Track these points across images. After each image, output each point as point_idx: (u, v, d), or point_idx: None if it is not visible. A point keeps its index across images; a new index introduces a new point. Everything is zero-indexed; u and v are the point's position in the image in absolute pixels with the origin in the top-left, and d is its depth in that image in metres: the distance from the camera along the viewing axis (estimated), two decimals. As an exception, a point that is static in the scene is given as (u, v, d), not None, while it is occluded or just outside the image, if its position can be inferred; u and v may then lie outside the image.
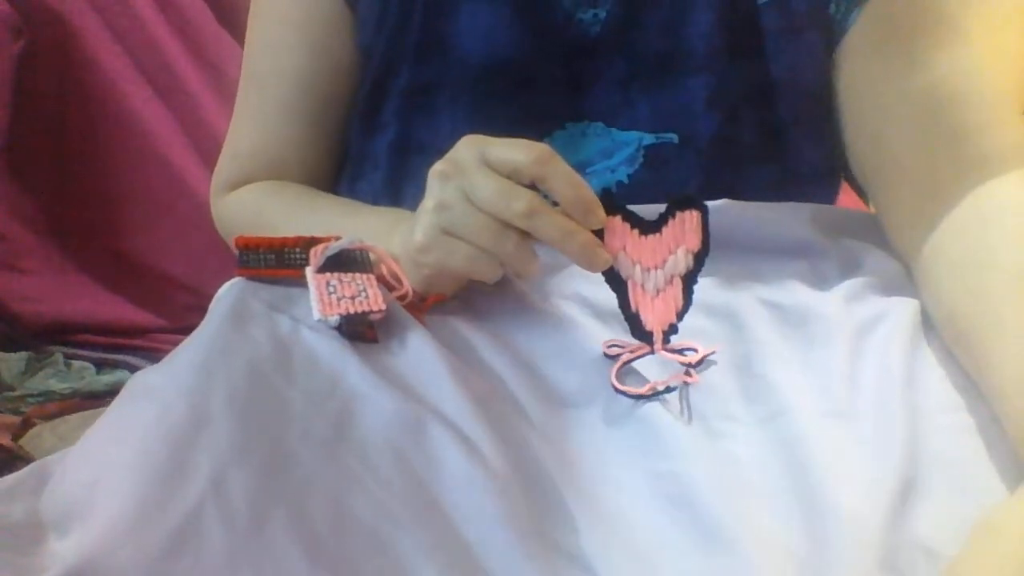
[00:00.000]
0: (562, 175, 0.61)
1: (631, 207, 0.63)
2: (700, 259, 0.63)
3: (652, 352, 0.61)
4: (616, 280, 0.63)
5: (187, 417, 0.55)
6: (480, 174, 0.61)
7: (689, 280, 0.63)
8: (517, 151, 0.61)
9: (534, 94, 0.80)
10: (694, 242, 0.62)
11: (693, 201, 0.62)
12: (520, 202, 0.60)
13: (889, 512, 0.53)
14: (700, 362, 0.61)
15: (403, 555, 0.50)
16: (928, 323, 0.68)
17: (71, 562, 0.47)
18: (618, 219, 0.63)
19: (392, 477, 0.54)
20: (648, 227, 0.63)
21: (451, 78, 0.80)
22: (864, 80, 0.77)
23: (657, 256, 0.62)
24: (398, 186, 0.84)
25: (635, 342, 0.62)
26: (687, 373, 0.61)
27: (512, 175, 0.61)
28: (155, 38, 1.40)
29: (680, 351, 0.63)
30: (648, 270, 0.62)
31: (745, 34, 0.78)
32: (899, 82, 0.75)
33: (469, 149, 0.63)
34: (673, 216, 0.62)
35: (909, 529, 0.53)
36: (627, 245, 0.62)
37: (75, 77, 1.38)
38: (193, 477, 0.51)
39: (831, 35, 0.79)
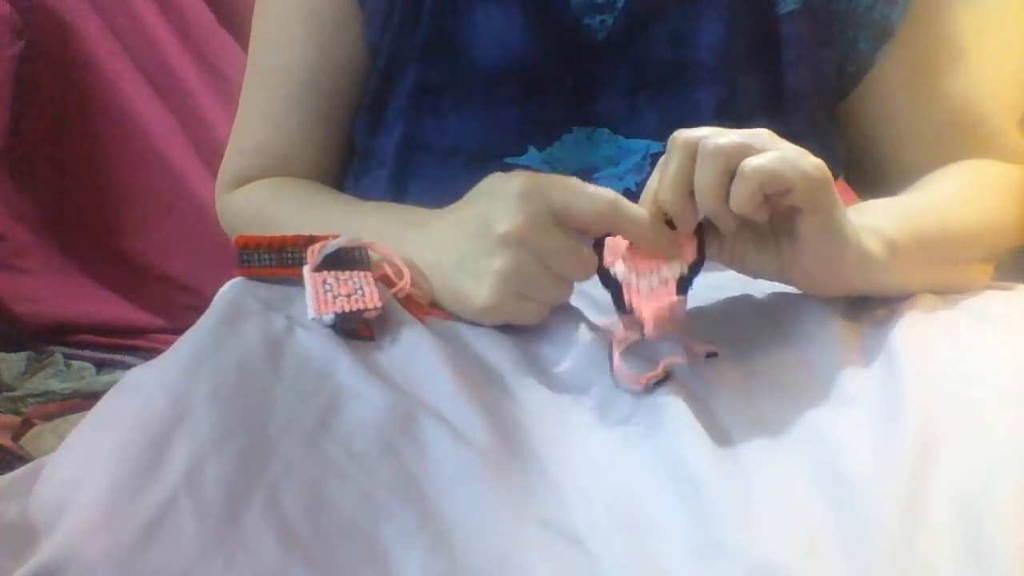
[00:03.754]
0: (632, 222, 0.64)
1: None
2: (695, 268, 0.64)
3: (643, 336, 0.62)
4: (612, 282, 0.64)
5: (167, 410, 0.55)
6: (554, 241, 0.63)
7: (683, 283, 0.64)
8: (585, 202, 0.63)
9: (542, 98, 0.79)
10: (690, 255, 0.64)
11: None
12: (589, 264, 0.65)
13: (909, 467, 0.52)
14: (695, 350, 0.61)
15: (385, 540, 0.50)
16: (934, 303, 0.68)
17: (42, 559, 0.47)
18: (618, 237, 0.65)
19: (377, 466, 0.53)
20: None
21: (459, 80, 0.80)
22: (887, 110, 0.83)
23: (653, 264, 0.65)
24: (403, 184, 0.83)
25: (625, 332, 0.63)
26: (687, 354, 0.61)
27: (582, 229, 0.64)
28: (155, 38, 1.40)
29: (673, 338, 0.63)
30: (643, 273, 0.64)
31: (761, 44, 0.79)
32: (920, 113, 0.83)
33: (535, 203, 0.63)
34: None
35: (932, 480, 0.52)
36: (625, 255, 0.65)
37: (75, 77, 1.38)
38: (168, 468, 0.51)
39: (856, 66, 0.83)
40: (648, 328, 0.61)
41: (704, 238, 0.65)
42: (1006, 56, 0.85)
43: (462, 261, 0.66)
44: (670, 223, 0.64)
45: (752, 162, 0.60)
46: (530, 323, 0.65)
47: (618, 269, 0.64)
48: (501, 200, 0.64)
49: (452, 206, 0.69)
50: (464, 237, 0.66)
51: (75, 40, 1.37)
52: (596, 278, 0.66)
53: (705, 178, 0.61)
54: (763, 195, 0.61)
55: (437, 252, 0.68)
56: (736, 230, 0.64)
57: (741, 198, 0.61)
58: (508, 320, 0.65)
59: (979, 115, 0.83)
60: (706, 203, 0.62)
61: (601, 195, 0.63)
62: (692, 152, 0.62)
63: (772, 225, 0.64)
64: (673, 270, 0.64)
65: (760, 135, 0.62)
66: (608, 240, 0.65)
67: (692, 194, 0.62)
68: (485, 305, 0.64)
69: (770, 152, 0.61)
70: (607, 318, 0.66)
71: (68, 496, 0.52)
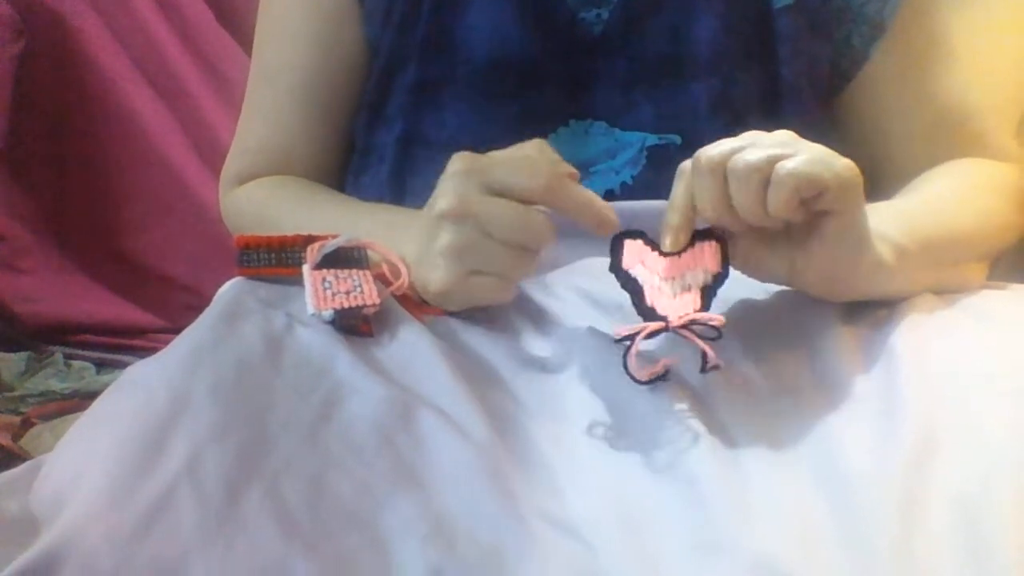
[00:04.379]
0: (571, 198, 0.63)
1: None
2: (719, 279, 0.63)
3: (667, 328, 0.60)
4: (632, 283, 0.63)
5: (167, 404, 0.55)
6: (493, 208, 0.62)
7: (707, 292, 0.63)
8: (521, 177, 0.62)
9: (539, 91, 0.80)
10: (714, 265, 0.63)
11: (714, 232, 0.64)
12: (539, 228, 0.63)
13: (907, 466, 0.52)
14: (717, 335, 0.60)
15: (384, 530, 0.50)
16: (933, 303, 0.69)
17: (44, 545, 0.47)
18: (639, 242, 0.64)
19: (376, 458, 0.54)
20: (668, 253, 0.64)
21: (457, 75, 0.81)
22: (879, 107, 0.83)
23: (675, 271, 0.63)
24: (402, 180, 0.84)
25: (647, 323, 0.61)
26: (704, 353, 0.60)
27: (523, 200, 0.63)
28: (155, 38, 1.40)
29: (696, 326, 0.61)
30: (666, 279, 0.63)
31: (756, 38, 0.79)
32: (911, 111, 0.82)
33: (470, 180, 0.63)
34: (693, 244, 0.64)
35: (930, 479, 0.52)
36: (645, 260, 0.64)
37: (75, 77, 1.38)
38: (168, 459, 0.51)
39: (850, 62, 0.83)
40: (673, 322, 0.60)
41: (728, 254, 0.64)
42: (998, 56, 0.85)
43: (417, 251, 0.66)
44: (698, 232, 0.64)
45: (786, 166, 0.59)
46: (498, 301, 0.65)
47: (639, 272, 0.63)
48: (440, 184, 0.65)
49: None
50: (419, 227, 0.66)
51: (75, 40, 1.37)
52: (589, 275, 0.65)
53: (743, 197, 0.60)
54: (797, 200, 0.60)
55: (407, 248, 0.68)
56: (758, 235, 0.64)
57: (778, 204, 0.60)
58: (472, 300, 0.65)
59: (969, 114, 0.83)
60: (751, 219, 0.61)
61: (539, 170, 0.63)
62: (722, 171, 0.61)
63: (785, 229, 0.64)
64: (696, 278, 0.63)
65: (783, 138, 0.62)
66: (627, 242, 0.64)
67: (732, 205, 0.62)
68: (441, 288, 0.64)
69: (802, 155, 0.60)
70: (608, 315, 0.66)
71: (68, 489, 0.52)
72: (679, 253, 0.64)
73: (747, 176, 0.60)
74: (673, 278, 0.63)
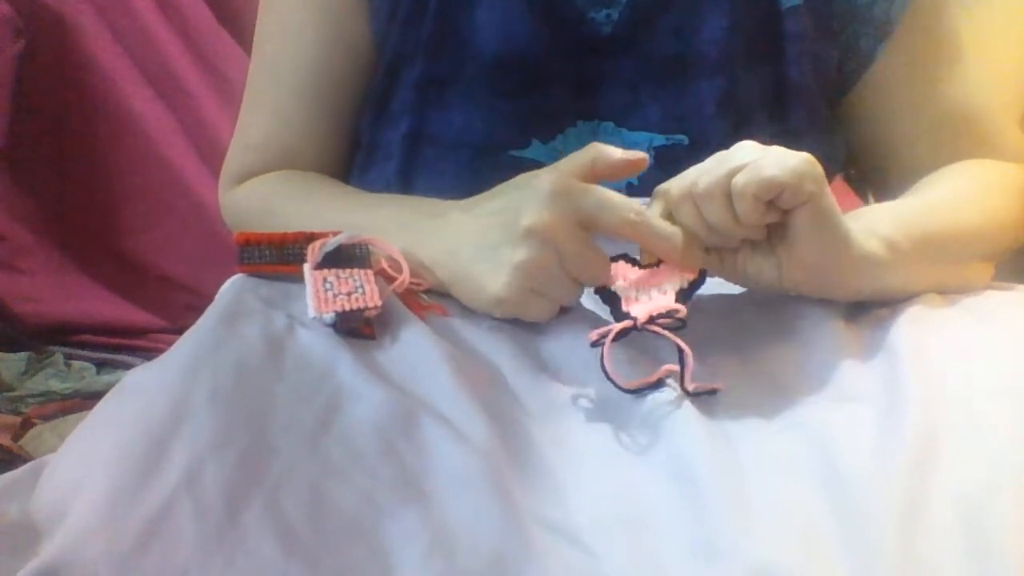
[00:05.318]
0: (655, 235, 0.65)
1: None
2: (695, 284, 0.66)
3: (635, 327, 0.62)
4: (611, 297, 0.66)
5: (168, 412, 0.55)
6: (576, 246, 0.64)
7: (682, 295, 0.65)
8: (614, 211, 0.64)
9: (546, 91, 0.80)
10: (690, 272, 0.66)
11: None
12: (602, 271, 0.66)
13: (908, 466, 0.53)
14: (682, 325, 0.62)
15: (385, 540, 0.50)
16: (935, 302, 0.69)
17: (43, 560, 0.47)
18: (620, 262, 0.67)
19: (378, 466, 0.53)
20: (647, 265, 0.67)
21: (464, 72, 0.80)
22: (886, 108, 0.83)
23: (653, 281, 0.66)
24: (410, 178, 0.83)
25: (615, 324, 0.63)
26: (680, 352, 0.61)
27: (608, 235, 0.65)
28: (155, 38, 1.40)
29: (663, 318, 0.63)
30: (643, 290, 0.66)
31: (763, 39, 0.79)
32: (918, 111, 0.83)
33: (564, 205, 0.64)
34: None
35: (931, 480, 0.52)
36: (626, 276, 0.66)
37: (75, 77, 1.38)
38: (168, 470, 0.51)
39: (856, 63, 0.83)
40: (640, 320, 0.62)
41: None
42: (1005, 56, 0.85)
43: (482, 250, 0.66)
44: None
45: (739, 180, 0.62)
46: (538, 320, 0.66)
47: (618, 286, 0.66)
48: (531, 195, 0.65)
49: (474, 198, 0.70)
50: (488, 227, 0.66)
51: (75, 40, 1.37)
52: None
53: (713, 216, 0.63)
54: (763, 204, 0.62)
55: (455, 241, 0.68)
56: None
57: (746, 213, 0.62)
58: (518, 314, 0.65)
59: (977, 114, 0.83)
60: (730, 234, 0.64)
61: (630, 205, 0.64)
62: (691, 198, 0.64)
63: (769, 232, 0.65)
64: (672, 284, 0.65)
65: (742, 150, 0.64)
66: (613, 266, 0.66)
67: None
68: (499, 295, 0.65)
69: (756, 162, 0.62)
70: (609, 316, 0.66)
71: (68, 497, 0.52)
72: (657, 264, 0.66)
73: (709, 197, 0.63)
74: (650, 287, 0.65)
